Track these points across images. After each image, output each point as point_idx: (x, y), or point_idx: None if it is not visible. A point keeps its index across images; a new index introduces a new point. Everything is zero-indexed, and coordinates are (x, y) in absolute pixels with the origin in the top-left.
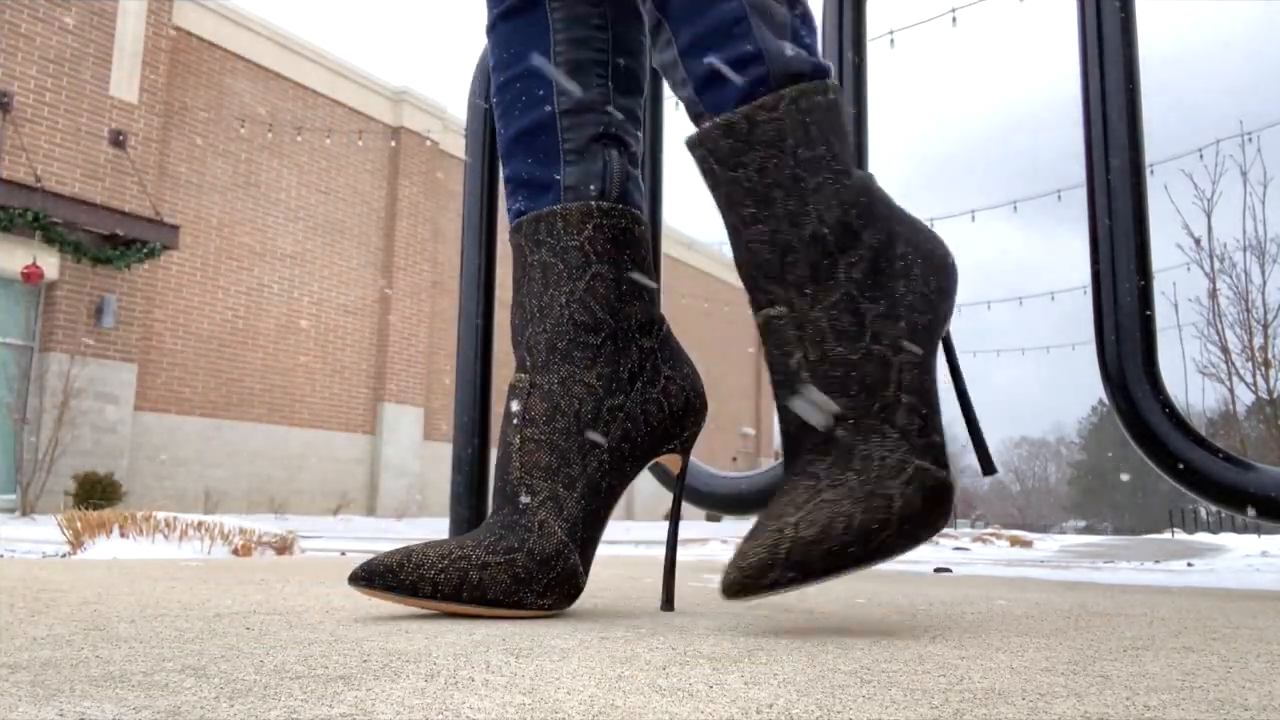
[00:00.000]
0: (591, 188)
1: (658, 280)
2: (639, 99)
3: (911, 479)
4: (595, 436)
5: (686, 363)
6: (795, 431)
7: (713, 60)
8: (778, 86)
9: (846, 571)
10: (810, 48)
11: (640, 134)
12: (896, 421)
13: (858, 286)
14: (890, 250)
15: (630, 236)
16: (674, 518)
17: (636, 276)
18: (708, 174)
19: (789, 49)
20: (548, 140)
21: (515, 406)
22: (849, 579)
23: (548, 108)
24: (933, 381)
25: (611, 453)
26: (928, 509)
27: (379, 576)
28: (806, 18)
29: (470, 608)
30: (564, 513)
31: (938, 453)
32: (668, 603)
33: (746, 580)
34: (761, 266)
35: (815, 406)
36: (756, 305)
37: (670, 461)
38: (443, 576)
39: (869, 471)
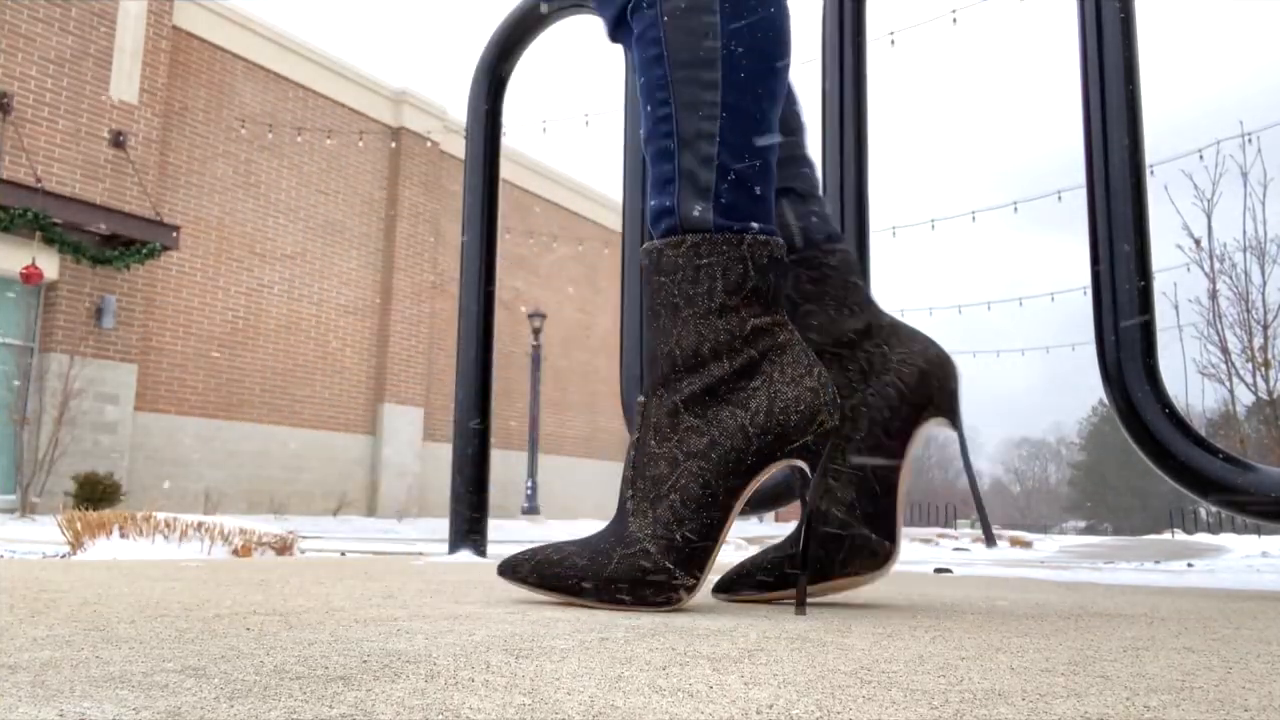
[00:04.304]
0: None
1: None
2: (795, 138)
3: (633, 555)
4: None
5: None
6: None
7: (651, 202)
8: (685, 232)
9: (564, 596)
10: (730, 207)
11: (808, 169)
12: (657, 511)
13: (685, 401)
14: (737, 384)
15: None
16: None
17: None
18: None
19: (698, 209)
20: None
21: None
22: None
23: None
24: (709, 495)
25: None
26: (631, 585)
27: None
28: (737, 182)
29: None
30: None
31: (675, 550)
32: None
33: (502, 566)
34: (646, 361)
35: (628, 476)
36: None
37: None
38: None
39: (618, 534)
